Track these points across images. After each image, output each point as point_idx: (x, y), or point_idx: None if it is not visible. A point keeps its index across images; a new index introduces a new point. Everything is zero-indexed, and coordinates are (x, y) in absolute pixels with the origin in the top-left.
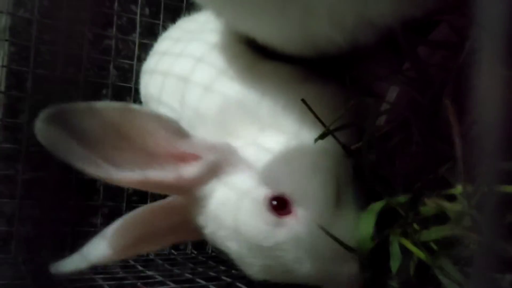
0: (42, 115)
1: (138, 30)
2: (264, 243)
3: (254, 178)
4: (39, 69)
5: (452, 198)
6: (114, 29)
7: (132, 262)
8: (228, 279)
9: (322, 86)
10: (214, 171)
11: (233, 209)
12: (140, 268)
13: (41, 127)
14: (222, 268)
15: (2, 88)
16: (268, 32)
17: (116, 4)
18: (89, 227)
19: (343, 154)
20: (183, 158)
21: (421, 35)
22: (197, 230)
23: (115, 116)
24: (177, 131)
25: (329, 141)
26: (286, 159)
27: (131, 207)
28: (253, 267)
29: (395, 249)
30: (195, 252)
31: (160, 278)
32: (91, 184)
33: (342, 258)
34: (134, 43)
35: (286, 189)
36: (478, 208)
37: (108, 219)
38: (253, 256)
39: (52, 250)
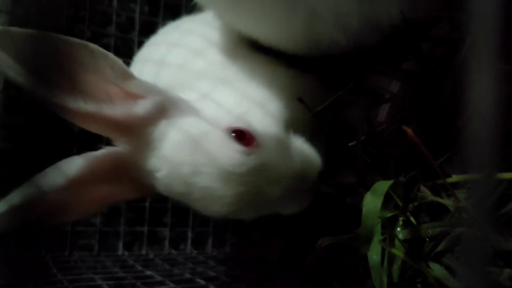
0: None
1: (137, 28)
2: (238, 169)
3: (206, 118)
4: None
5: (447, 188)
6: (113, 27)
7: (131, 262)
8: (228, 279)
9: (302, 74)
10: (161, 112)
11: (197, 146)
12: (139, 267)
13: None
14: (222, 268)
15: (1, 87)
16: (272, 34)
17: (115, 2)
18: (88, 227)
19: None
20: (132, 98)
21: (423, 31)
22: (139, 183)
23: (70, 49)
24: (122, 71)
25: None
26: (235, 99)
27: (130, 206)
28: (223, 199)
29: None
30: (195, 252)
31: (159, 278)
32: None
33: (306, 164)
34: (133, 42)
35: (241, 124)
36: (474, 201)
37: (108, 218)
38: (226, 185)
39: (51, 249)
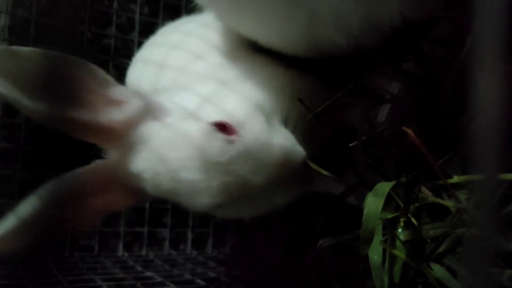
0: None
1: (137, 29)
2: (220, 158)
3: (187, 116)
4: None
5: (448, 189)
6: (113, 28)
7: (131, 263)
8: (228, 280)
9: (302, 75)
10: (144, 115)
11: (181, 141)
12: (139, 268)
13: None
14: (222, 268)
15: None
16: (272, 35)
17: (115, 3)
18: (88, 227)
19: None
20: (114, 105)
21: (423, 32)
22: (131, 190)
23: (53, 62)
24: (103, 79)
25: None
26: (220, 95)
27: (130, 208)
28: (209, 190)
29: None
30: (195, 253)
31: (159, 279)
32: None
33: (289, 152)
34: (134, 42)
35: (222, 117)
36: (475, 202)
37: (108, 219)
38: (210, 176)
39: (51, 250)
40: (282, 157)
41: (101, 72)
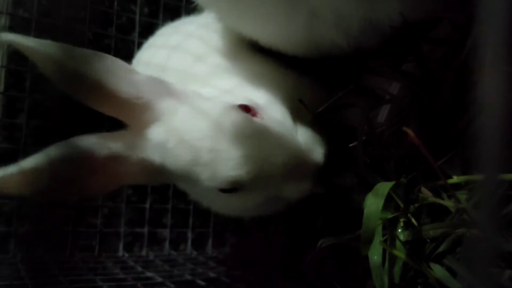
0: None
1: (137, 29)
2: (242, 131)
3: (217, 99)
4: (38, 69)
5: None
6: (114, 28)
7: (132, 263)
8: (228, 280)
9: (302, 75)
10: (163, 94)
11: (203, 116)
12: (140, 269)
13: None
14: (222, 268)
15: (1, 88)
16: (272, 36)
17: (115, 3)
18: (89, 228)
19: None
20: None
21: (423, 33)
22: (147, 166)
23: (87, 57)
24: (127, 69)
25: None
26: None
27: (130, 207)
28: (230, 161)
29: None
30: (195, 253)
31: (160, 279)
32: None
33: (309, 150)
34: (134, 43)
35: (246, 102)
36: (475, 202)
37: (108, 219)
38: (232, 147)
39: (52, 250)
40: (302, 150)
41: (123, 63)
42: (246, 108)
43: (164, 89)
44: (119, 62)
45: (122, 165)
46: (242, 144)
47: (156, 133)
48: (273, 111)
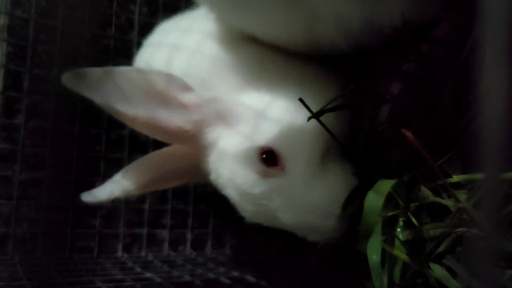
0: (69, 76)
1: (136, 29)
2: (252, 190)
3: (250, 132)
4: (36, 69)
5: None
6: (113, 28)
7: (131, 264)
8: (228, 281)
9: (305, 67)
10: (215, 119)
11: (229, 159)
12: (139, 269)
13: (68, 82)
14: (222, 269)
15: (0, 89)
16: (273, 34)
17: (114, 3)
18: (88, 229)
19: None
20: (190, 109)
21: (423, 33)
22: (201, 173)
23: (134, 75)
24: (183, 85)
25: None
26: (279, 117)
27: (129, 208)
28: (245, 211)
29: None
30: (194, 254)
31: (159, 280)
32: (89, 185)
33: (322, 212)
34: (133, 43)
35: (275, 144)
36: (475, 201)
37: (107, 220)
38: (244, 202)
39: (50, 251)
40: (319, 204)
41: (180, 79)
42: (271, 155)
43: (215, 111)
44: (176, 78)
45: (185, 174)
46: (250, 200)
47: (203, 160)
48: (299, 157)
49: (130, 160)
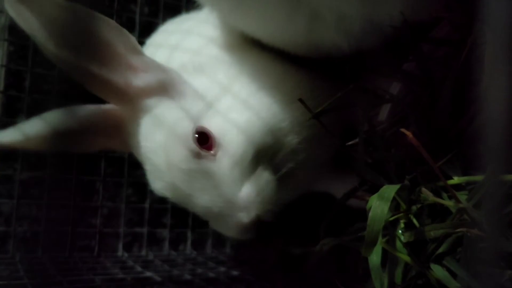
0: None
1: (137, 29)
2: (179, 164)
3: (193, 108)
4: (37, 68)
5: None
6: None
7: (131, 263)
8: (228, 280)
9: (301, 70)
10: (159, 89)
11: (164, 128)
12: (139, 268)
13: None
14: (222, 269)
15: (1, 88)
16: (273, 35)
17: (115, 3)
18: (88, 228)
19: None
20: (135, 71)
21: (423, 33)
22: (124, 139)
23: (93, 21)
24: (133, 46)
25: (275, 117)
26: (226, 108)
27: (130, 207)
28: (159, 182)
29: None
30: (195, 253)
31: (159, 279)
32: (90, 185)
33: (240, 208)
34: None
35: (214, 130)
36: (476, 202)
37: (107, 219)
38: (165, 172)
39: (51, 250)
40: (231, 205)
41: (133, 39)
42: (205, 137)
43: (161, 80)
44: (127, 35)
45: (108, 138)
46: (173, 173)
47: (135, 126)
48: (233, 149)
49: (131, 159)
